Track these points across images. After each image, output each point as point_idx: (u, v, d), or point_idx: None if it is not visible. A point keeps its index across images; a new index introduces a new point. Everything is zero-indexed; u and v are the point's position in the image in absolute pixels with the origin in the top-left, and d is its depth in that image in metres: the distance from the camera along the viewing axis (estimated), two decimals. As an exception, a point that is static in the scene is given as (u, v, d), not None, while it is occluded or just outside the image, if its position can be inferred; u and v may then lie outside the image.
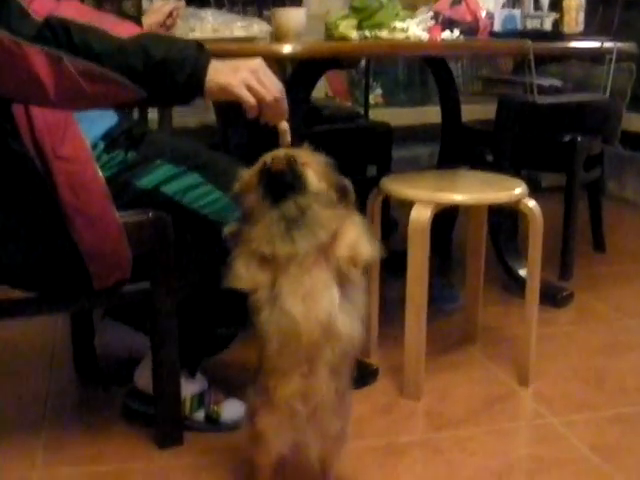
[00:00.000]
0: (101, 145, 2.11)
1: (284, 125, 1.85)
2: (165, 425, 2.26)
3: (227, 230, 1.79)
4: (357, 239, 1.73)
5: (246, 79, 1.75)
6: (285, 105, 1.82)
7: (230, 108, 2.85)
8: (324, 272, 1.70)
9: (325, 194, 1.73)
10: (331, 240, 1.70)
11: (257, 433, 1.85)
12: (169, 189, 2.11)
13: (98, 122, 2.14)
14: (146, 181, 2.11)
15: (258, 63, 1.80)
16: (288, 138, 1.85)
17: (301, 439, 1.85)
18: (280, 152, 1.74)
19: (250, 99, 1.75)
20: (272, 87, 1.78)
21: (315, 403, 1.77)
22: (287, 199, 1.69)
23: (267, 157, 1.73)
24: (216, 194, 2.10)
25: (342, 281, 1.73)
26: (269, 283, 1.71)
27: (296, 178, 1.71)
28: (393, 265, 2.90)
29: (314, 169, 1.75)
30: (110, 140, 2.14)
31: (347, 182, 1.77)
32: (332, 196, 1.74)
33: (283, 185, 1.70)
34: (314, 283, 1.69)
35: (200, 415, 2.34)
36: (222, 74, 1.75)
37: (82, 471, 2.17)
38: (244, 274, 1.72)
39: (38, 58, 1.65)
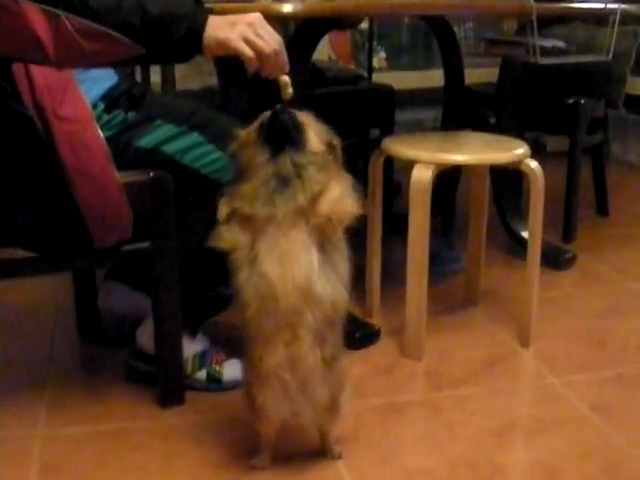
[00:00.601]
0: (101, 105, 2.11)
1: (285, 78, 1.85)
2: (167, 384, 2.27)
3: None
4: (338, 196, 1.73)
5: (244, 32, 1.76)
6: (285, 58, 1.83)
7: (232, 68, 2.85)
8: (304, 234, 1.70)
9: (322, 156, 1.74)
10: (312, 201, 1.70)
11: (256, 407, 1.87)
12: (169, 149, 2.12)
13: (98, 82, 2.13)
14: (146, 141, 2.12)
15: (256, 17, 1.80)
16: (290, 90, 1.85)
17: (295, 408, 1.86)
18: (280, 106, 1.75)
19: (248, 52, 1.76)
20: (270, 39, 1.78)
21: (303, 372, 1.77)
22: (285, 153, 1.70)
23: (268, 111, 1.74)
24: (216, 154, 2.11)
25: (324, 245, 1.73)
26: (248, 244, 1.72)
27: (297, 131, 1.72)
28: (395, 227, 2.93)
29: (314, 129, 1.76)
30: (110, 100, 2.13)
31: (336, 140, 1.77)
32: (327, 158, 1.75)
33: (283, 135, 1.71)
34: (292, 245, 1.69)
35: (202, 375, 2.35)
36: (220, 29, 1.75)
37: (85, 430, 2.18)
38: (226, 234, 1.73)
39: (36, 16, 1.65)
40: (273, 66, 1.81)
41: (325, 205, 1.70)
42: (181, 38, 1.74)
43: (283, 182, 1.69)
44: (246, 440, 2.06)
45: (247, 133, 1.77)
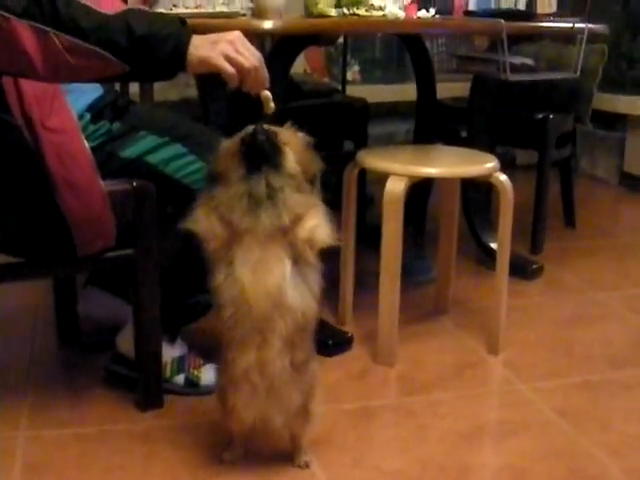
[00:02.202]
0: (87, 116, 2.16)
1: (266, 93, 1.90)
2: (146, 388, 2.32)
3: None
4: (317, 225, 1.78)
5: (224, 50, 1.81)
6: (265, 73, 1.88)
7: (211, 81, 2.90)
8: (278, 247, 1.75)
9: (298, 178, 1.78)
10: (292, 224, 1.75)
11: (228, 408, 1.92)
12: (153, 159, 2.17)
13: (84, 94, 2.19)
14: (130, 151, 2.17)
15: (236, 35, 1.85)
16: (272, 105, 1.90)
17: (264, 411, 1.89)
18: (264, 126, 1.78)
19: (229, 68, 1.81)
20: (250, 56, 1.83)
21: (271, 376, 1.82)
22: (260, 172, 1.74)
23: (250, 128, 1.78)
24: (198, 164, 2.16)
25: (297, 259, 1.78)
26: (225, 239, 1.76)
27: (274, 153, 1.76)
28: (368, 239, 2.99)
29: (294, 150, 1.79)
30: (96, 111, 2.19)
31: (317, 168, 1.83)
32: (303, 182, 1.79)
33: (260, 156, 1.75)
34: (266, 255, 1.74)
35: (180, 379, 2.41)
36: (202, 48, 1.80)
37: (66, 433, 2.22)
38: (203, 220, 1.77)
39: (26, 33, 1.70)
40: (254, 81, 1.86)
41: (304, 231, 1.76)
42: (166, 57, 1.79)
43: (255, 202, 1.73)
44: (223, 442, 2.10)
45: (229, 144, 1.81)
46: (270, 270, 1.74)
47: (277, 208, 1.74)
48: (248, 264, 1.74)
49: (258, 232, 1.74)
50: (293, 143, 1.81)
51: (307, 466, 2.06)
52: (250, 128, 1.78)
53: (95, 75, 1.81)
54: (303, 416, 1.96)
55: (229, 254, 1.76)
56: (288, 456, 2.08)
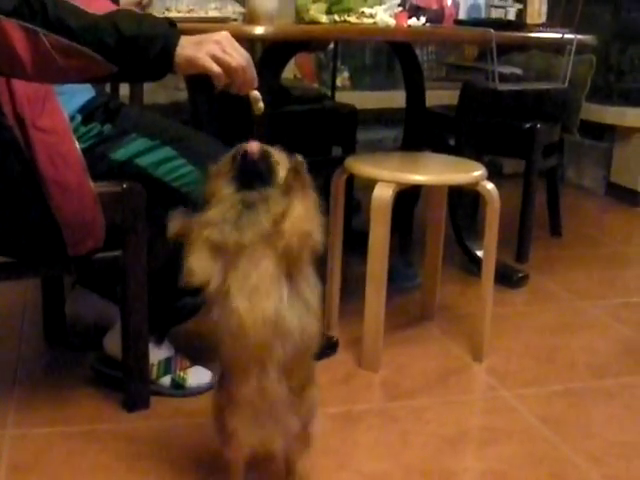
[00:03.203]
0: (78, 118, 2.18)
1: (255, 94, 1.88)
2: (133, 389, 2.34)
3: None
4: (303, 215, 1.69)
5: (211, 50, 1.80)
6: (253, 73, 1.86)
7: (201, 83, 2.92)
8: (273, 265, 1.68)
9: (285, 186, 1.72)
10: (276, 224, 1.67)
11: (227, 432, 1.87)
12: (143, 161, 2.19)
13: (76, 95, 2.20)
14: (121, 153, 2.19)
15: (223, 35, 1.85)
16: (260, 105, 1.89)
17: (265, 435, 1.85)
18: (255, 144, 1.74)
19: (216, 68, 1.79)
20: (237, 56, 1.82)
21: (271, 402, 1.77)
22: (254, 190, 1.69)
23: (242, 146, 1.74)
24: (188, 167, 2.18)
25: (293, 275, 1.71)
26: (220, 274, 1.69)
27: (268, 173, 1.72)
28: (354, 244, 3.01)
29: (281, 161, 1.75)
30: (87, 113, 2.21)
31: (300, 164, 1.74)
32: (290, 184, 1.72)
33: (254, 175, 1.71)
34: (262, 278, 1.67)
35: (167, 380, 2.42)
36: (189, 48, 1.80)
37: (52, 432, 2.24)
38: (197, 268, 1.70)
39: (16, 33, 1.71)
40: (242, 81, 1.85)
41: (287, 224, 1.67)
42: (154, 58, 1.79)
43: (249, 207, 1.68)
44: (208, 443, 2.10)
45: (218, 167, 1.77)
46: (266, 294, 1.67)
47: (262, 214, 1.68)
48: (244, 292, 1.67)
49: (249, 249, 1.67)
50: (282, 161, 1.76)
51: None
52: (242, 146, 1.74)
53: (83, 75, 1.82)
54: (302, 440, 1.91)
55: (225, 287, 1.69)
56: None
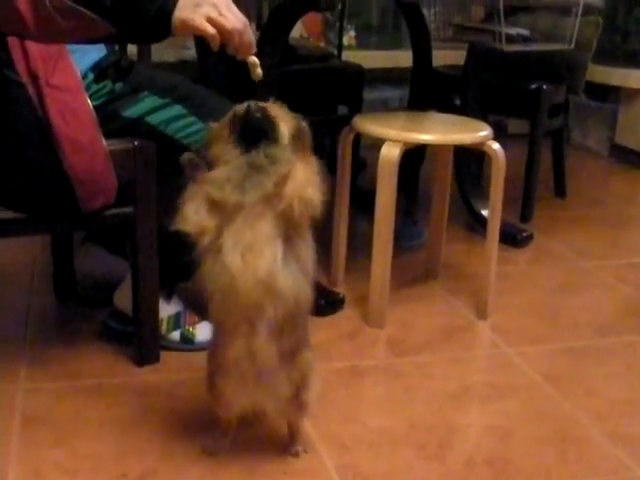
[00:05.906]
0: (90, 75, 2.20)
1: (253, 59, 1.87)
2: (143, 343, 2.37)
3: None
4: (305, 181, 1.70)
5: (206, 12, 1.78)
6: (250, 38, 1.85)
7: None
8: (270, 225, 1.68)
9: (291, 144, 1.73)
10: (278, 186, 1.68)
11: (216, 393, 1.89)
12: (153, 119, 2.21)
13: (88, 53, 2.21)
14: (132, 111, 2.21)
15: None
16: (259, 71, 1.88)
17: (254, 398, 1.86)
18: (253, 103, 1.74)
19: (211, 30, 1.78)
20: (233, 18, 1.81)
21: (259, 364, 1.77)
22: (258, 148, 1.70)
23: (239, 107, 1.75)
24: (198, 125, 2.20)
25: (290, 236, 1.71)
26: (215, 229, 1.70)
27: (271, 129, 1.72)
28: (361, 203, 3.03)
29: (284, 120, 1.75)
30: (99, 71, 2.22)
31: (304, 126, 1.76)
32: (295, 144, 1.74)
33: (257, 133, 1.71)
34: (257, 237, 1.67)
35: (176, 335, 2.46)
36: (184, 10, 1.78)
37: (64, 386, 2.27)
38: (192, 217, 1.72)
39: None
40: (238, 45, 1.83)
41: (289, 188, 1.68)
42: (150, 20, 1.78)
43: (256, 169, 1.68)
44: (206, 430, 2.09)
45: (219, 127, 1.77)
46: (260, 253, 1.67)
47: (273, 172, 1.69)
48: (237, 249, 1.67)
49: (247, 208, 1.67)
50: (281, 115, 1.76)
51: (297, 455, 2.00)
52: (241, 106, 1.74)
53: (84, 36, 1.82)
54: (296, 406, 1.90)
55: (218, 242, 1.70)
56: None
